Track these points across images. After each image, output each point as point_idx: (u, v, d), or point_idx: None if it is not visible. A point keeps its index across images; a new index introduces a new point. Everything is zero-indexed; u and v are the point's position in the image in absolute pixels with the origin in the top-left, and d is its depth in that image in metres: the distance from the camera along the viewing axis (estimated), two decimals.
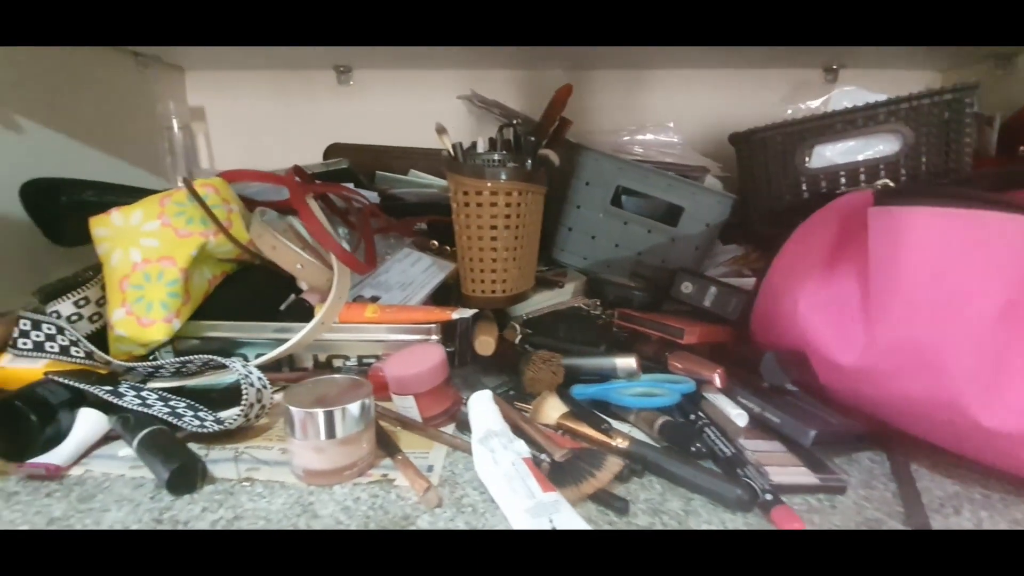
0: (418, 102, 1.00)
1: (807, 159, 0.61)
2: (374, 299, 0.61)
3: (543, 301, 0.66)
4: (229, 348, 0.56)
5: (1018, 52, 0.85)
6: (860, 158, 0.60)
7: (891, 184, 0.51)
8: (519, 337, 0.57)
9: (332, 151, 0.96)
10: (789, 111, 0.65)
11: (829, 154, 0.61)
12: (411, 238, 0.72)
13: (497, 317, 0.62)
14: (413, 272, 0.63)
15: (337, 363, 0.55)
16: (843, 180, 0.61)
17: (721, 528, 0.35)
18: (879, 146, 0.60)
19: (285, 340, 0.54)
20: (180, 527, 0.34)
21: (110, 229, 0.51)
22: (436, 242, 0.77)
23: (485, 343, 0.53)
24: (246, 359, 0.53)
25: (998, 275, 0.36)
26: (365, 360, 0.55)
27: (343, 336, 0.55)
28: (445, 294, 0.65)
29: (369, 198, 0.75)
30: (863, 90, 0.63)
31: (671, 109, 1.01)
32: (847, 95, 0.62)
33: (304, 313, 0.59)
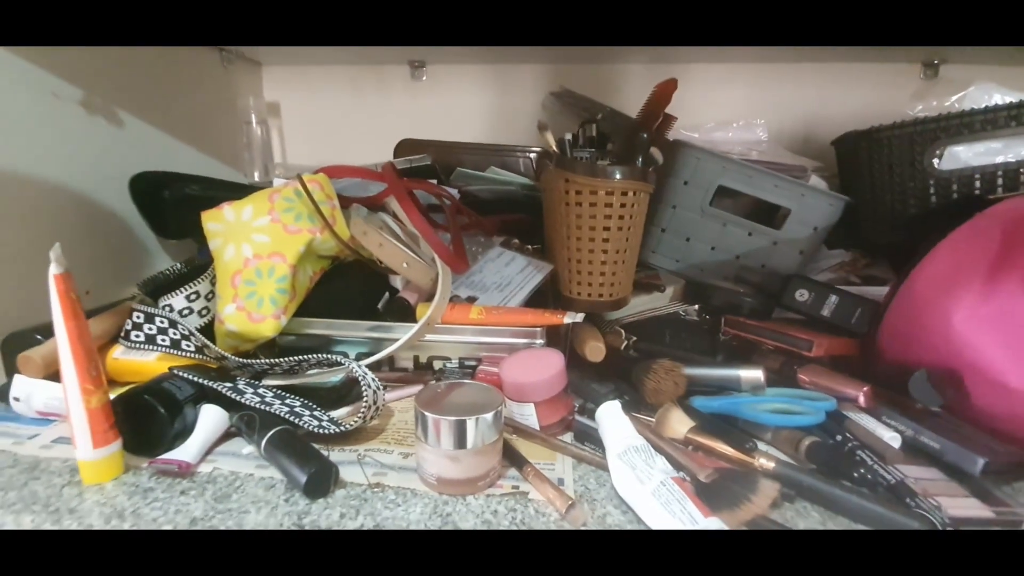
0: (490, 97, 0.99)
1: (937, 161, 0.57)
2: (471, 299, 0.59)
3: (640, 305, 0.64)
4: (326, 345, 0.55)
5: None
6: (999, 160, 0.55)
7: None
8: (624, 343, 0.55)
9: (402, 147, 0.96)
10: (919, 108, 0.61)
11: (964, 156, 0.56)
12: (500, 237, 0.71)
13: (592, 321, 0.59)
14: (509, 272, 0.62)
15: (438, 365, 0.54)
16: (978, 184, 0.56)
17: None
18: (1021, 149, 0.55)
19: (381, 338, 0.53)
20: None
21: (223, 224, 0.51)
22: (517, 241, 0.75)
23: (596, 349, 0.51)
24: (347, 357, 0.52)
25: None
26: (467, 363, 0.54)
27: (446, 337, 0.53)
28: (534, 295, 0.63)
29: (452, 194, 0.73)
30: (1001, 87, 0.58)
31: (753, 105, 0.96)
32: (984, 92, 0.58)
33: (401, 311, 0.58)
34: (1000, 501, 0.37)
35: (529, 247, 0.73)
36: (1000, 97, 0.57)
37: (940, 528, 0.33)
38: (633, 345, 0.55)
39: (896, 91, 0.92)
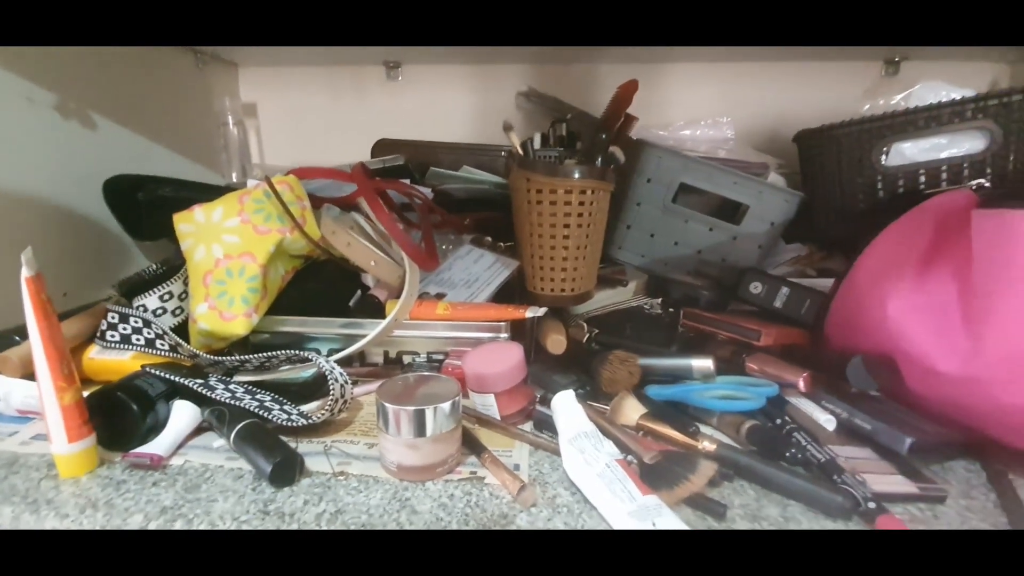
0: (465, 97, 1.00)
1: (884, 157, 0.59)
2: (439, 296, 0.61)
3: (605, 299, 0.66)
4: (299, 343, 0.57)
5: None
6: (943, 156, 0.58)
7: (986, 184, 0.49)
8: (587, 336, 0.57)
9: (379, 146, 0.97)
10: (867, 107, 0.63)
11: (909, 152, 0.59)
12: (469, 234, 0.73)
13: (557, 315, 0.62)
14: (476, 269, 0.64)
15: (407, 359, 0.56)
16: (923, 179, 0.59)
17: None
18: (964, 144, 0.57)
19: (353, 335, 0.55)
20: (286, 519, 0.35)
21: (193, 225, 0.52)
22: (490, 238, 0.77)
23: (557, 341, 0.53)
24: (318, 353, 0.54)
25: None
26: (435, 357, 0.56)
27: (414, 333, 0.55)
28: (502, 290, 0.65)
29: (425, 194, 0.75)
30: (947, 84, 0.61)
31: (722, 103, 0.99)
32: (930, 90, 0.60)
33: (372, 309, 0.60)
34: (925, 478, 0.39)
35: (501, 244, 0.75)
36: (946, 94, 0.59)
37: (862, 501, 0.35)
38: (595, 337, 0.57)
39: (859, 88, 0.94)
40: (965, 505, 0.38)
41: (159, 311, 0.54)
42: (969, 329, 0.40)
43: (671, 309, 0.64)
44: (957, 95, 0.58)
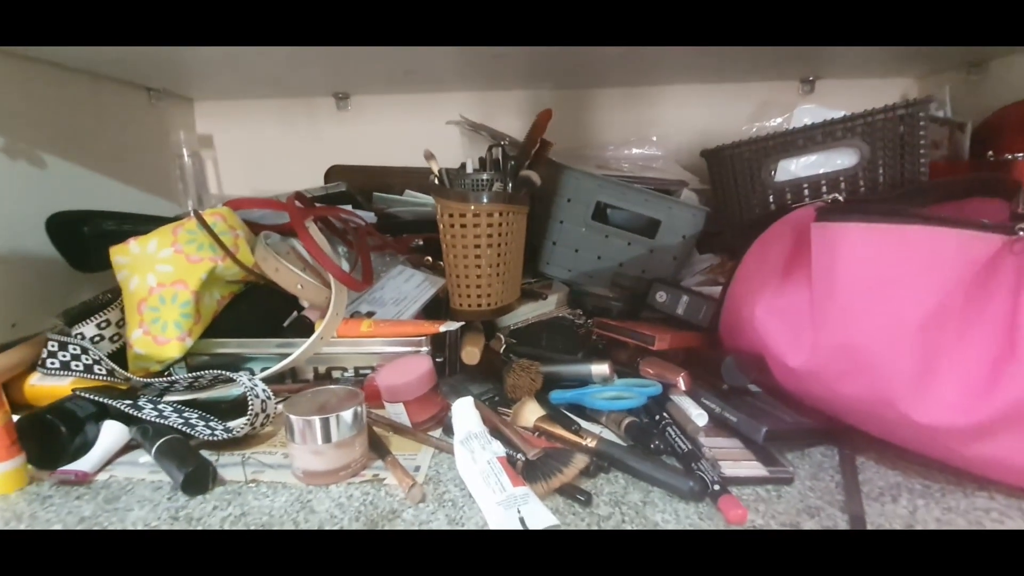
0: (412, 124, 1.06)
1: (773, 173, 0.65)
2: (370, 314, 0.65)
3: (528, 312, 0.70)
4: (236, 363, 0.60)
5: (990, 58, 0.88)
6: (822, 171, 0.64)
7: (840, 199, 0.55)
8: (504, 347, 0.61)
9: (332, 173, 1.02)
10: (754, 128, 0.69)
11: (793, 168, 0.64)
12: (405, 255, 0.77)
13: (486, 328, 0.66)
14: (406, 288, 0.68)
15: (336, 374, 0.60)
16: (807, 192, 0.65)
17: (674, 517, 0.38)
18: (838, 160, 0.63)
19: (287, 355, 0.59)
20: (194, 523, 0.39)
21: (128, 257, 0.56)
22: (430, 258, 0.81)
23: (471, 353, 0.57)
24: (252, 373, 0.58)
25: (923, 284, 0.40)
26: (362, 371, 0.60)
27: (341, 350, 0.59)
28: (437, 307, 0.70)
29: (365, 218, 0.80)
30: (823, 108, 0.67)
31: (659, 123, 1.05)
32: (808, 112, 0.67)
33: (306, 329, 0.64)
34: (777, 462, 0.44)
35: (440, 263, 0.80)
36: (821, 116, 0.65)
37: (710, 484, 0.40)
38: (511, 348, 0.61)
39: (764, 112, 1.01)
40: (809, 486, 0.42)
41: (97, 338, 0.57)
42: (812, 329, 0.45)
43: (588, 319, 0.69)
44: (831, 116, 0.64)
